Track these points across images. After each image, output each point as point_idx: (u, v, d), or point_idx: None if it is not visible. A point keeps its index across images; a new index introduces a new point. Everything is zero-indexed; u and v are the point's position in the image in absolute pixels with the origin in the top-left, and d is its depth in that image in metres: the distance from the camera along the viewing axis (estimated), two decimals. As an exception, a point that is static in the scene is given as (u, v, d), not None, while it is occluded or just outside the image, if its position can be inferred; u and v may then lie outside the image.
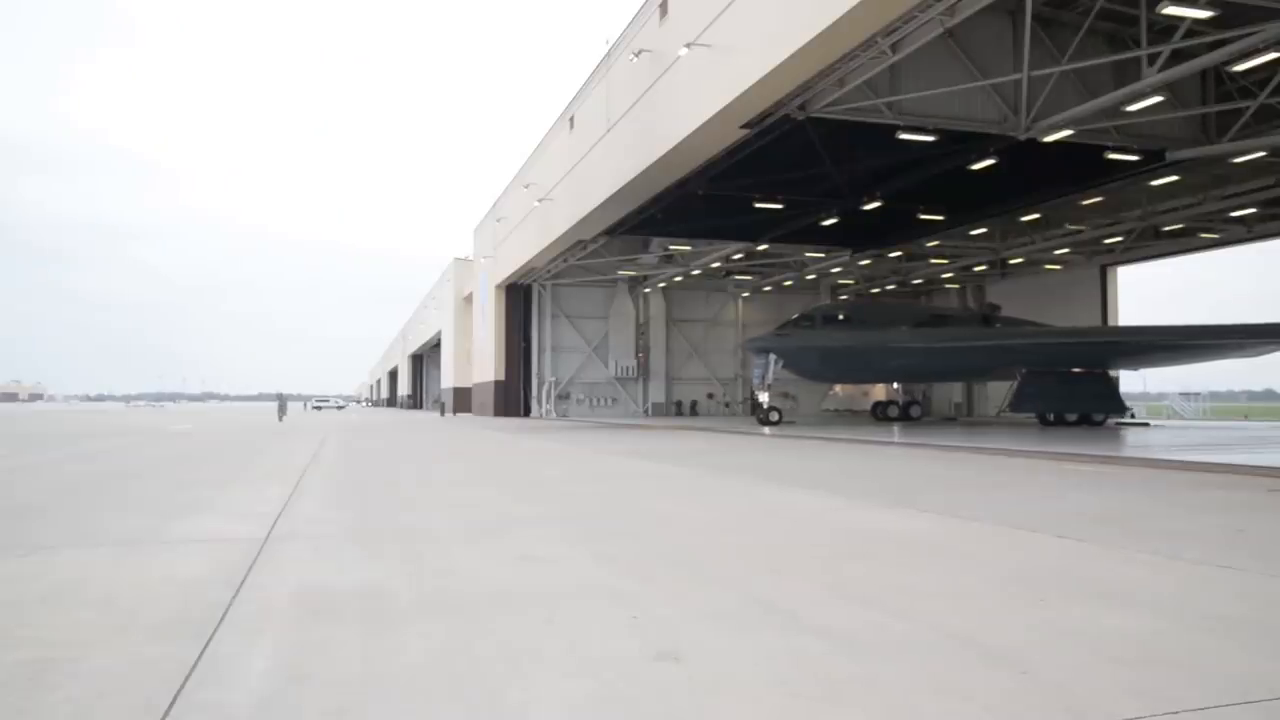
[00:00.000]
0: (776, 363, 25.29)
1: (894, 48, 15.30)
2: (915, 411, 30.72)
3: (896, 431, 21.85)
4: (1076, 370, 24.73)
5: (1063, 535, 5.41)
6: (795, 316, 26.81)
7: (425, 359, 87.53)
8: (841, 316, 26.49)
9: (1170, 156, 21.07)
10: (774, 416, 25.50)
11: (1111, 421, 25.25)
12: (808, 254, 36.41)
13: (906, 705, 2.46)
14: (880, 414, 30.99)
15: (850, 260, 36.14)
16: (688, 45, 18.83)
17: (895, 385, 31.29)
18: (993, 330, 26.26)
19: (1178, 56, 15.73)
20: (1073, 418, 24.07)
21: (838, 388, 34.86)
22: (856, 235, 32.18)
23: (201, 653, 2.93)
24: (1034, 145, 19.54)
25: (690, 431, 22.80)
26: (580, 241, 32.18)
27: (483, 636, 3.15)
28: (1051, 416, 24.47)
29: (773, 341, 25.72)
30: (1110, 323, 35.93)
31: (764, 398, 26.07)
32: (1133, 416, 37.09)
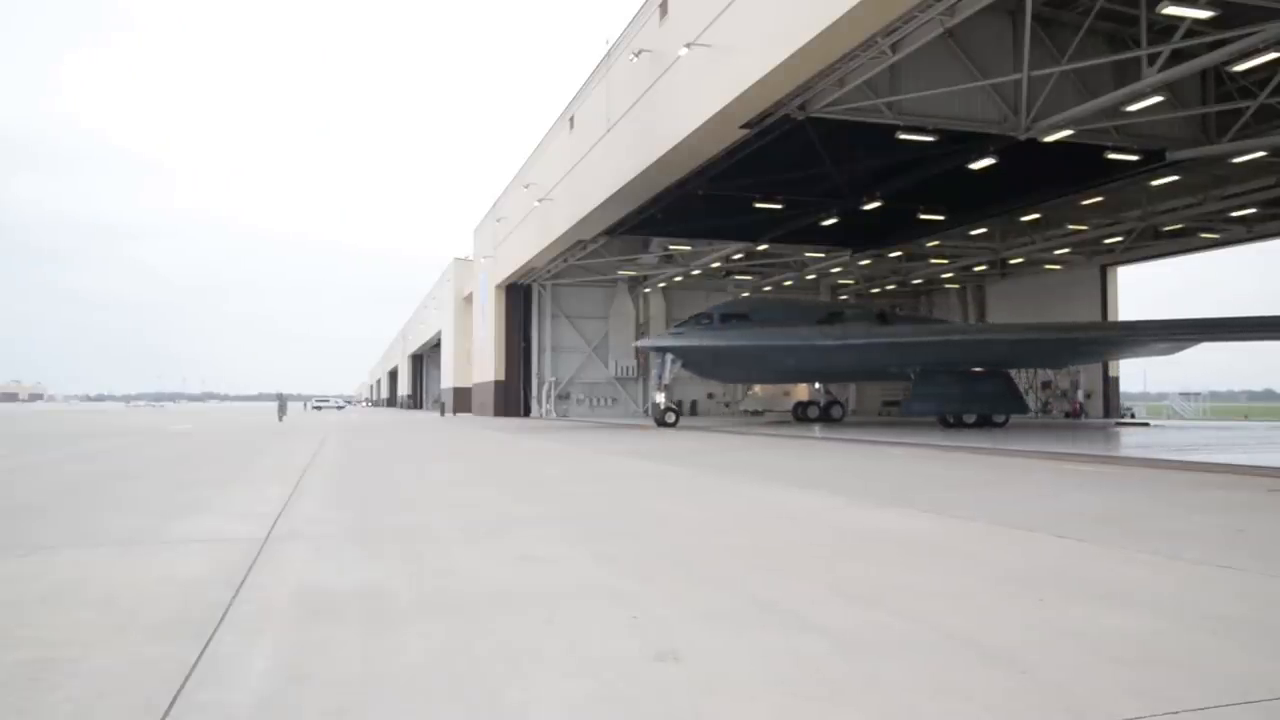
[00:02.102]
0: (674, 362, 24.71)
1: (894, 48, 15.30)
2: (836, 412, 29.86)
3: (818, 430, 22.27)
4: (977, 370, 23.98)
5: (1062, 535, 5.41)
6: (695, 314, 26.08)
7: (425, 359, 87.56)
8: (740, 314, 25.48)
9: (1170, 156, 21.07)
10: (669, 418, 24.68)
11: (1116, 422, 25.20)
12: (808, 254, 36.40)
13: (906, 705, 2.46)
14: (800, 414, 30.16)
15: (850, 260, 36.14)
16: (688, 45, 18.83)
17: (816, 385, 30.56)
18: (886, 329, 25.35)
19: (1178, 56, 15.73)
20: (971, 419, 23.32)
21: (757, 388, 34.05)
22: (856, 235, 32.17)
23: (201, 653, 2.93)
24: (1034, 145, 19.54)
25: (690, 431, 22.80)
26: (580, 241, 32.18)
27: (483, 636, 3.15)
28: (951, 418, 23.71)
29: (668, 341, 25.04)
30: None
31: (660, 398, 25.40)
32: (1132, 416, 37.14)
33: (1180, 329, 24.47)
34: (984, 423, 23.45)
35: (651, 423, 28.59)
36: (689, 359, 24.94)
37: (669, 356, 24.84)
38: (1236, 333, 23.92)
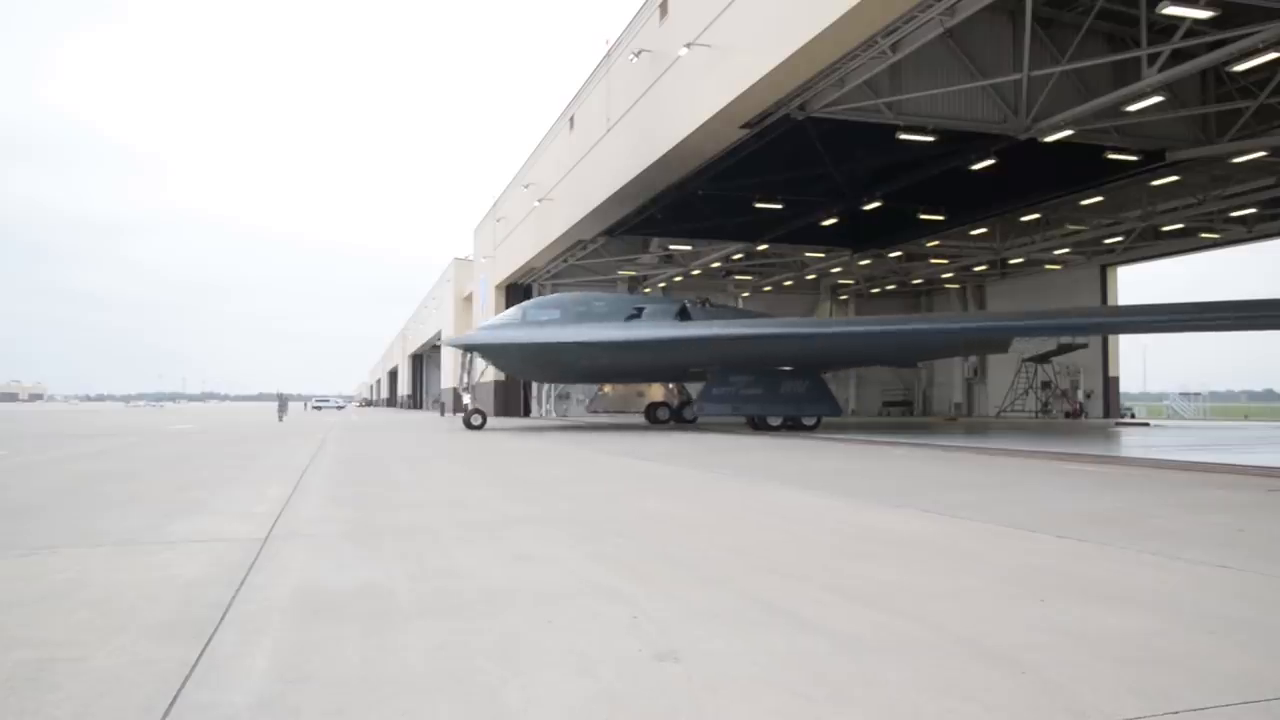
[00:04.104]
0: (476, 360, 23.76)
1: (894, 48, 15.30)
2: (689, 413, 27.92)
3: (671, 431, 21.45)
4: (785, 369, 22.80)
5: (1063, 535, 5.41)
6: (507, 311, 24.78)
7: (425, 359, 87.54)
8: (552, 310, 24.19)
9: (1170, 156, 21.09)
10: (475, 420, 23.58)
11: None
12: (808, 254, 36.43)
13: (906, 705, 2.46)
14: (652, 416, 29.01)
15: (850, 260, 36.17)
16: (688, 45, 18.85)
17: (670, 385, 29.42)
18: (680, 325, 23.68)
19: (1178, 56, 15.73)
20: (776, 421, 22.38)
21: (608, 387, 32.90)
22: (856, 235, 32.21)
23: (201, 653, 2.93)
24: (1034, 145, 19.55)
25: (689, 431, 22.80)
26: (580, 241, 32.19)
27: (482, 636, 3.15)
28: (756, 420, 22.73)
29: (472, 338, 23.94)
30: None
31: (466, 399, 24.45)
32: (1132, 416, 37.17)
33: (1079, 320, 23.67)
34: (793, 426, 22.43)
35: (651, 423, 28.48)
36: (493, 357, 23.86)
37: (473, 355, 23.76)
38: (1143, 325, 22.69)
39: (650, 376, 28.23)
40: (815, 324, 24.87)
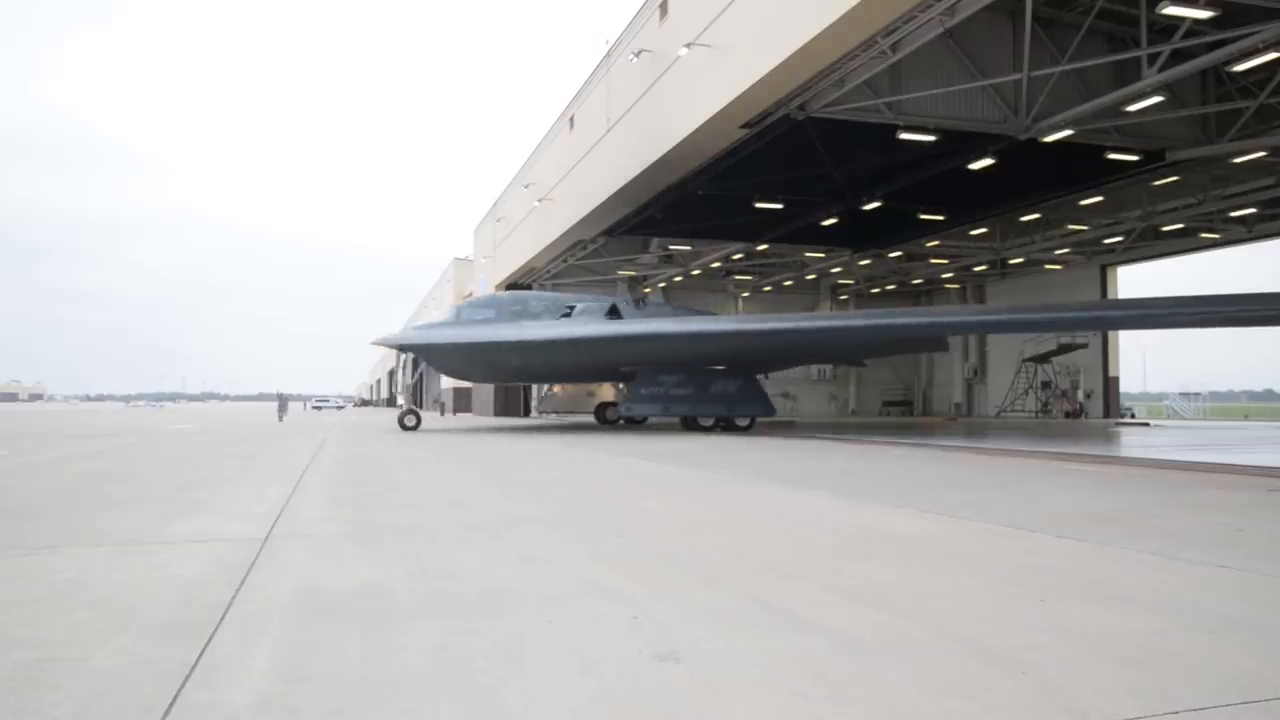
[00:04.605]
0: (417, 361, 23.33)
1: (894, 48, 15.30)
2: (638, 413, 27.22)
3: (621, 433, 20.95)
4: (718, 368, 22.26)
5: (1063, 535, 5.42)
6: (442, 310, 24.33)
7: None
8: (486, 311, 23.65)
9: (1170, 156, 21.10)
10: (409, 421, 23.01)
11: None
12: (808, 254, 36.44)
13: (906, 705, 2.46)
14: (601, 416, 28.62)
15: (850, 260, 36.18)
16: (688, 45, 18.84)
17: (620, 385, 28.71)
18: (611, 322, 23.07)
19: (1178, 56, 15.74)
20: (708, 422, 22.01)
21: (557, 388, 32.27)
22: (856, 235, 32.21)
23: (201, 653, 2.93)
24: (1034, 145, 19.56)
25: (687, 431, 22.79)
26: (580, 241, 32.19)
27: (482, 636, 3.15)
28: (690, 420, 22.23)
29: (406, 338, 23.31)
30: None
31: (402, 400, 23.85)
32: (1132, 416, 37.18)
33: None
34: (727, 426, 22.05)
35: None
36: (427, 357, 23.39)
37: (409, 355, 23.33)
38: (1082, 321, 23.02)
39: (584, 376, 27.82)
40: (741, 321, 24.19)
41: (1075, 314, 22.82)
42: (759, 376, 24.38)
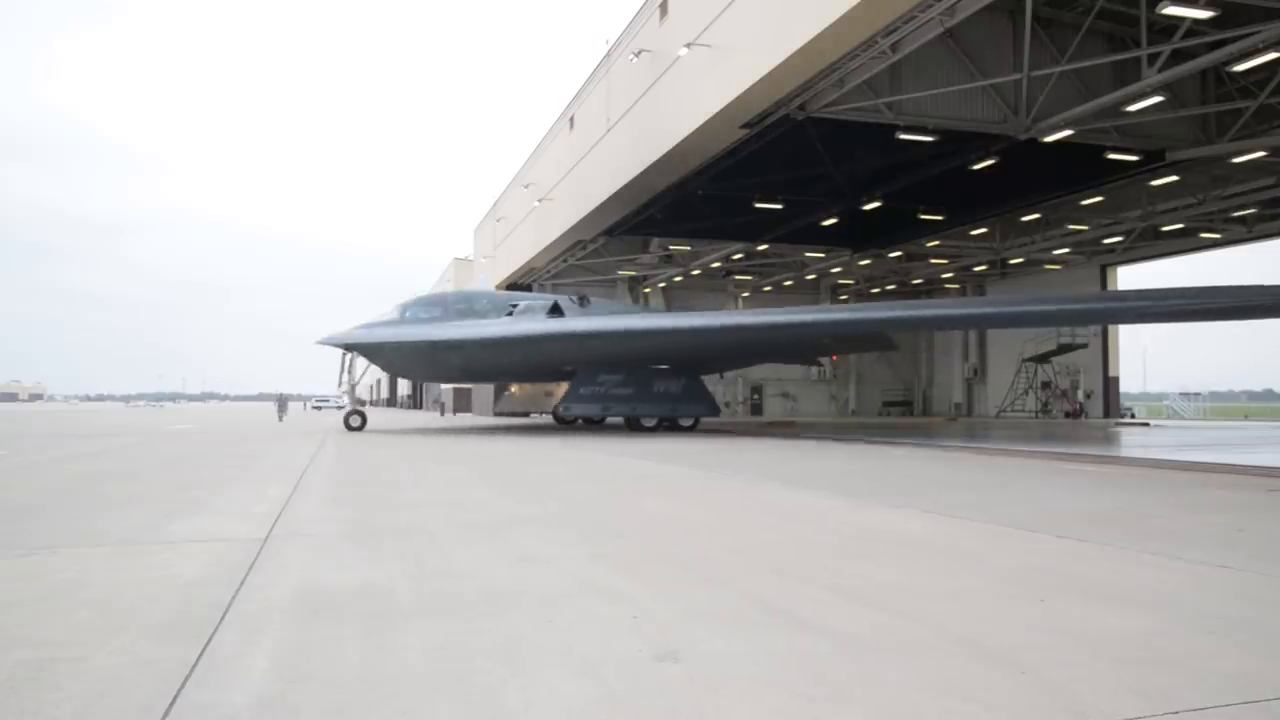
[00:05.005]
0: (357, 360, 22.99)
1: (894, 48, 15.31)
2: (576, 414, 25.98)
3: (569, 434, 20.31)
4: (661, 367, 21.76)
5: (1063, 535, 5.42)
6: (387, 309, 23.81)
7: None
8: (432, 310, 23.06)
9: (1170, 156, 21.11)
10: (354, 421, 22.67)
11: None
12: (808, 254, 36.46)
13: (906, 705, 2.46)
14: (560, 417, 27.68)
15: (850, 260, 36.19)
16: (688, 45, 18.85)
17: None
18: (551, 320, 22.44)
19: (1178, 56, 15.75)
20: (650, 422, 21.56)
21: (515, 388, 31.87)
22: (856, 235, 32.24)
23: (201, 653, 2.93)
24: (1034, 145, 19.57)
25: (597, 433, 22.78)
26: (580, 241, 32.20)
27: (482, 636, 3.15)
28: (633, 420, 21.79)
29: (350, 337, 22.70)
30: (1108, 326, 35.91)
31: (345, 400, 23.55)
32: (1132, 416, 37.19)
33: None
34: (670, 426, 21.68)
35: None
36: (371, 356, 22.83)
37: (351, 354, 22.97)
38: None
39: (528, 375, 27.41)
40: (677, 318, 23.19)
41: (1017, 309, 21.27)
42: (720, 376, 23.88)
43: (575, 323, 21.87)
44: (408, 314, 22.69)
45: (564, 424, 27.62)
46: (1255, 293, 15.08)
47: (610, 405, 21.75)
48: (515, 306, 23.23)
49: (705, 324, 21.50)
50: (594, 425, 26.60)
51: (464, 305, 23.16)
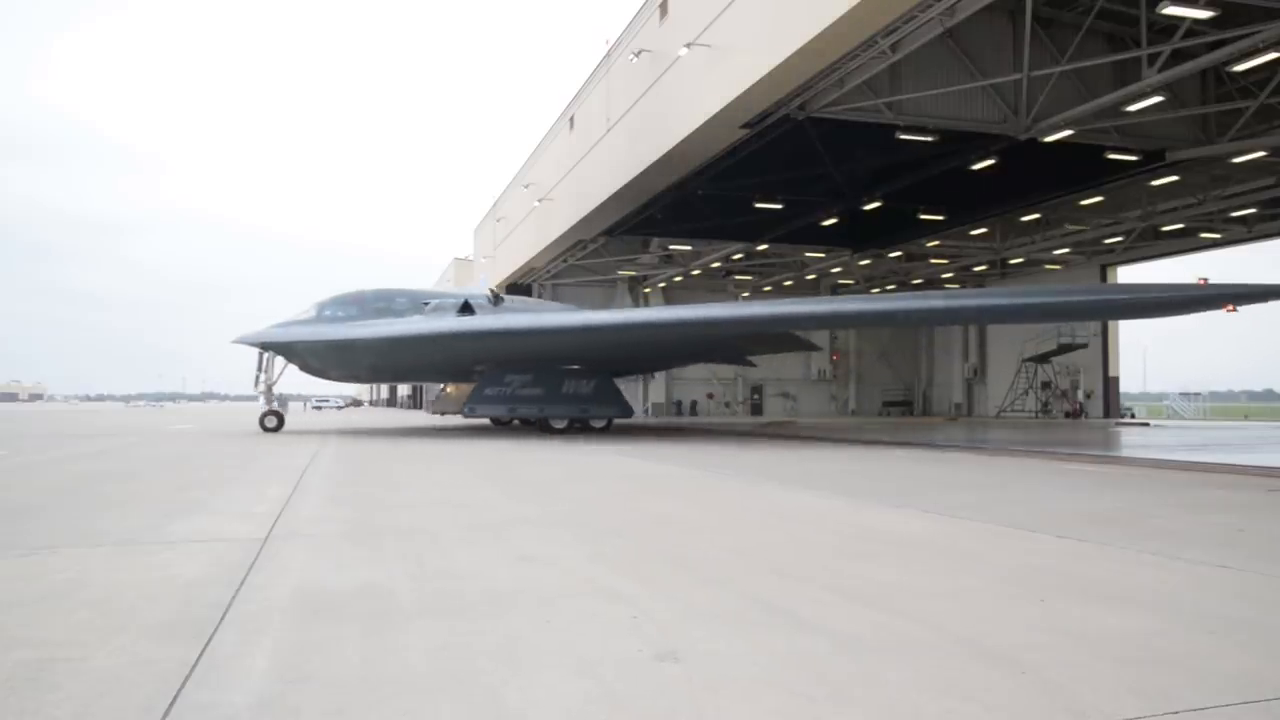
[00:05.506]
0: (275, 359, 22.47)
1: (894, 48, 15.32)
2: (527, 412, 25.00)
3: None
4: (572, 367, 21.17)
5: (1063, 535, 5.41)
6: (304, 308, 23.32)
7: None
8: (349, 308, 22.33)
9: (1170, 156, 21.12)
10: (269, 423, 22.18)
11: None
12: (808, 254, 36.48)
13: (907, 705, 2.46)
14: (495, 418, 26.98)
15: (850, 260, 36.20)
16: (688, 45, 18.85)
17: None
18: (457, 319, 21.66)
19: (1178, 56, 15.75)
20: (560, 424, 21.00)
21: (450, 388, 31.09)
22: (856, 235, 32.25)
23: (201, 653, 2.93)
24: (1034, 145, 19.57)
25: (687, 433, 22.78)
26: (580, 241, 32.21)
27: (482, 636, 3.15)
28: (542, 422, 21.34)
29: (264, 336, 22.22)
30: (1108, 325, 35.95)
31: (262, 401, 23.12)
32: (1132, 416, 37.19)
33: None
34: (581, 428, 21.18)
35: (650, 423, 28.24)
36: (288, 355, 22.31)
37: (269, 354, 22.52)
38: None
39: (440, 375, 26.83)
40: (586, 316, 22.32)
41: (936, 304, 19.89)
42: (650, 376, 22.45)
43: (481, 321, 21.25)
44: (325, 312, 22.28)
45: (499, 424, 27.04)
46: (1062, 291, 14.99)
47: (517, 406, 21.14)
48: (427, 304, 22.66)
49: (603, 322, 20.75)
50: (517, 426, 26.01)
51: (383, 304, 22.60)
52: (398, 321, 21.72)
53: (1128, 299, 17.00)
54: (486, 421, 27.47)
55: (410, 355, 21.75)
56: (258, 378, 22.46)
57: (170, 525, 5.92)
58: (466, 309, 22.29)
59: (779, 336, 22.86)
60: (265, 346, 22.13)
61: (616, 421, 22.73)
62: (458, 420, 29.72)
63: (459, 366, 23.01)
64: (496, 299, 23.59)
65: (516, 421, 26.44)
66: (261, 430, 22.00)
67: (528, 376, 20.84)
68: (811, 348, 27.76)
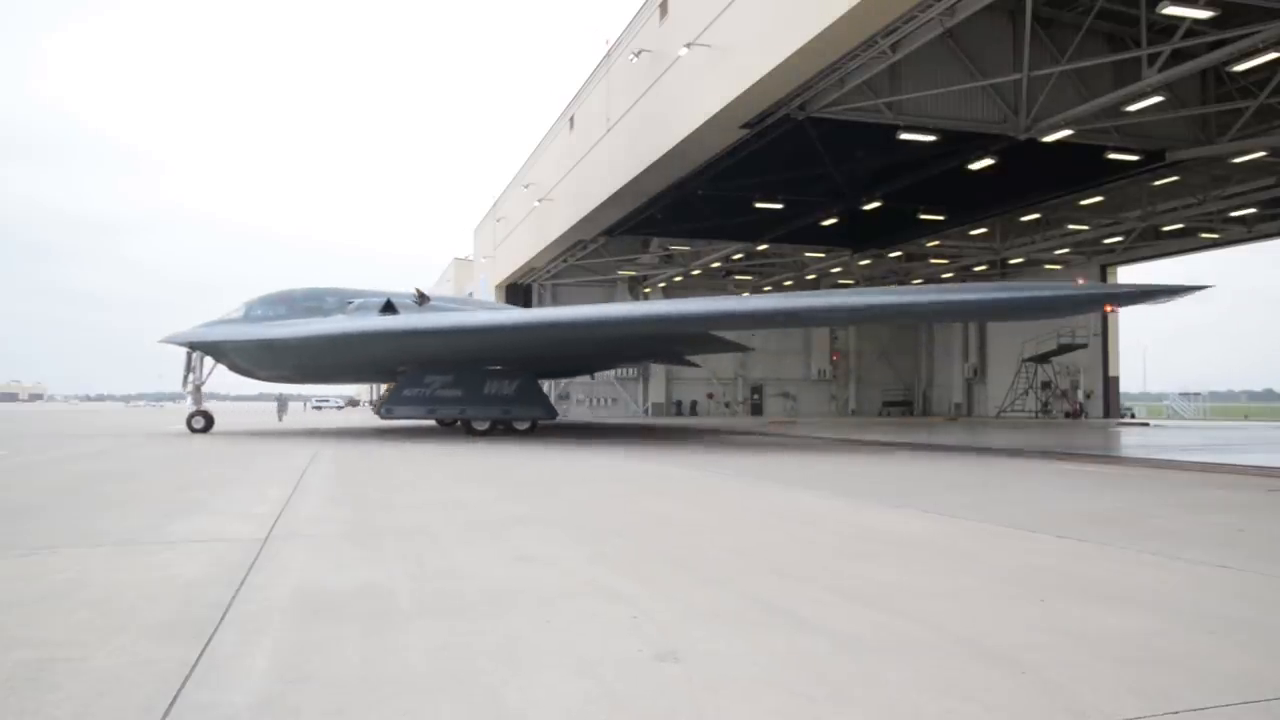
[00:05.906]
0: (204, 360, 22.12)
1: (894, 48, 15.32)
2: (472, 414, 22.72)
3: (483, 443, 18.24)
4: (494, 368, 20.78)
5: (1063, 535, 5.41)
6: (233, 308, 22.86)
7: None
8: (277, 308, 21.91)
9: (1170, 156, 21.12)
10: (197, 423, 21.79)
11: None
12: (808, 254, 36.50)
13: (907, 705, 2.46)
14: (450, 420, 25.55)
15: (850, 260, 36.20)
16: (688, 45, 18.85)
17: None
18: (376, 318, 21.17)
19: (1178, 56, 15.76)
20: (483, 425, 20.54)
21: (389, 387, 31.04)
22: (856, 235, 32.26)
23: (201, 653, 2.93)
24: (1034, 145, 19.58)
25: (686, 433, 22.77)
26: (580, 241, 32.22)
27: (482, 636, 3.15)
28: (465, 423, 20.95)
29: (191, 335, 21.76)
30: (1108, 325, 35.98)
31: (189, 402, 22.76)
32: (1132, 416, 37.20)
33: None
34: (504, 429, 20.84)
35: (650, 423, 28.28)
36: (216, 355, 21.92)
37: (197, 354, 22.15)
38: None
39: (364, 375, 26.06)
40: (510, 315, 21.97)
41: (844, 300, 19.16)
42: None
43: (398, 320, 20.81)
44: (254, 312, 21.94)
45: (445, 426, 26.28)
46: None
47: (437, 407, 20.79)
48: (350, 304, 22.19)
49: (512, 322, 20.27)
50: (459, 426, 24.81)
51: (313, 303, 22.20)
52: (320, 321, 21.24)
53: (1008, 298, 16.10)
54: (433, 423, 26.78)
55: (331, 356, 21.30)
56: (186, 378, 22.05)
57: (170, 525, 5.92)
58: (389, 308, 21.79)
59: (702, 337, 21.87)
60: (193, 346, 21.77)
61: (542, 422, 22.11)
62: (408, 421, 29.25)
63: (382, 367, 22.57)
64: (422, 299, 23.03)
65: (459, 424, 24.92)
66: (189, 431, 21.47)
67: (448, 377, 20.48)
68: (739, 348, 26.81)
